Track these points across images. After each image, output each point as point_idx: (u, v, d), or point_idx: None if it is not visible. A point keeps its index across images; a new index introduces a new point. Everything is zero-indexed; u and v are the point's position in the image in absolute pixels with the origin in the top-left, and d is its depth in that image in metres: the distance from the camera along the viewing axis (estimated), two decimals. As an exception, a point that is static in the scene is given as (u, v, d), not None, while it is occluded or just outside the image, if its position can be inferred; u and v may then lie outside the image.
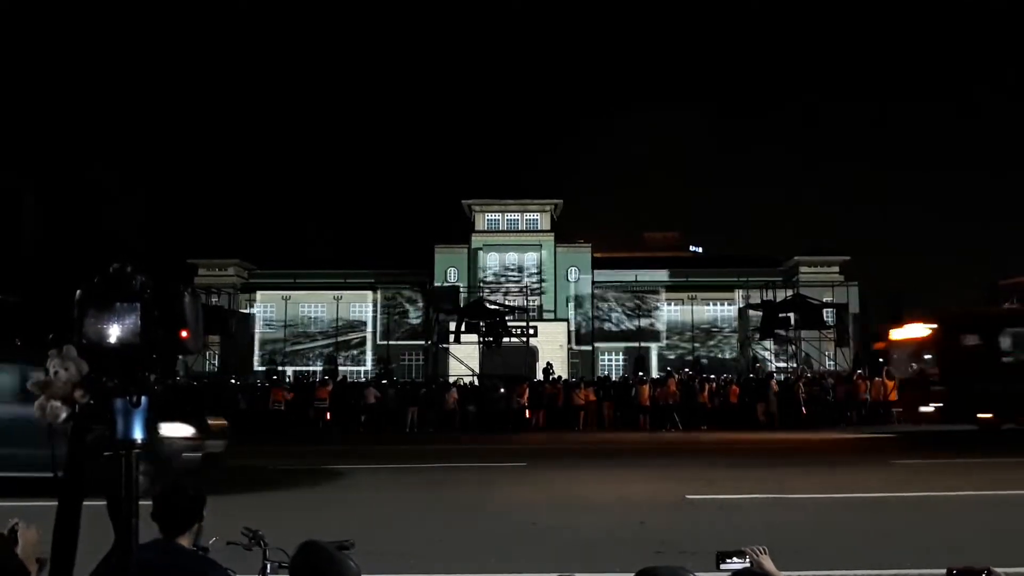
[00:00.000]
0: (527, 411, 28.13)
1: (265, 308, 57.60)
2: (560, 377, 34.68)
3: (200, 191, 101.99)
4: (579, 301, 55.18)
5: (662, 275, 57.91)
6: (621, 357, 55.51)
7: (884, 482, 12.99)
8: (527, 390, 28.72)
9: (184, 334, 2.03)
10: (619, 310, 55.61)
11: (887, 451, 18.67)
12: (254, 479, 14.60)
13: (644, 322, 55.98)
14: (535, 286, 55.05)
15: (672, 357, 54.32)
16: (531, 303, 51.91)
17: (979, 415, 21.82)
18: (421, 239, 59.78)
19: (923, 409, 23.18)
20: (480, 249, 57.11)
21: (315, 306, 57.73)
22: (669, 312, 57.24)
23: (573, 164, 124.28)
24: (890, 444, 21.09)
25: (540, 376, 34.35)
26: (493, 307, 40.21)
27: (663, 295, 56.50)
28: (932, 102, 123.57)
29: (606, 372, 50.90)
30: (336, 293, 55.27)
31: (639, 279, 57.45)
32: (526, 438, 23.69)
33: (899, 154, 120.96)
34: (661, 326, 56.79)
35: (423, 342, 54.24)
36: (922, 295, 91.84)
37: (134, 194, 66.41)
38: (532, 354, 41.19)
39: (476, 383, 33.93)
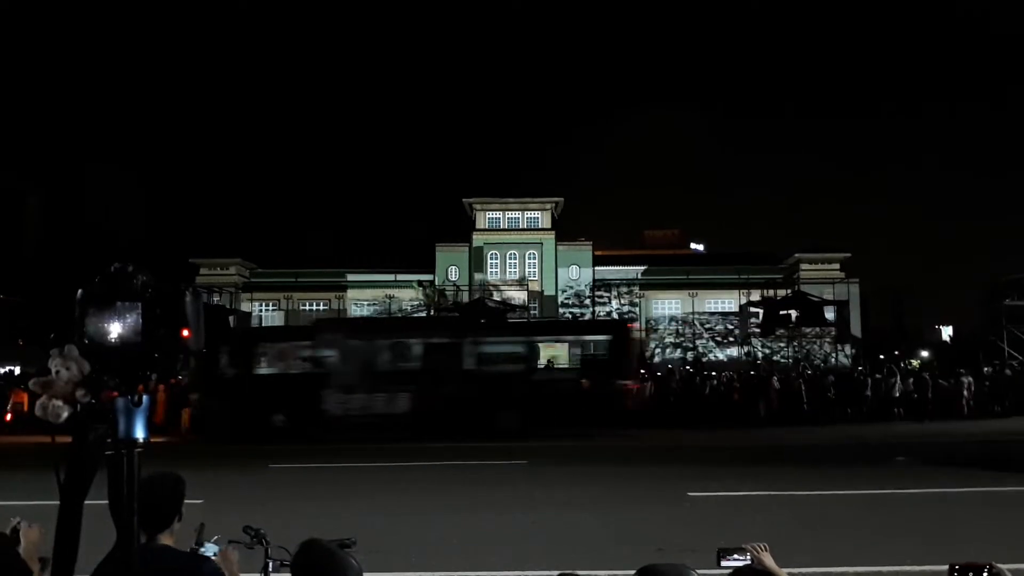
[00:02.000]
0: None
1: (358, 299, 58.13)
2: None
3: (201, 191, 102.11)
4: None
5: (662, 272, 57.86)
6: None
7: (885, 479, 12.99)
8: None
9: (186, 333, 2.03)
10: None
11: (889, 448, 18.65)
12: (255, 478, 14.61)
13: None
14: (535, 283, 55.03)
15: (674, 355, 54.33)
16: (531, 301, 51.92)
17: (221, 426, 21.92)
18: (423, 238, 59.82)
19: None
20: (481, 247, 57.08)
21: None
22: (670, 309, 57.24)
23: (574, 163, 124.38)
24: (893, 442, 21.07)
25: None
26: (494, 305, 40.18)
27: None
28: (932, 102, 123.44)
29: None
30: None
31: (640, 277, 57.43)
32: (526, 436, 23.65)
33: (899, 154, 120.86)
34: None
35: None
36: (924, 292, 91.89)
37: (136, 194, 66.52)
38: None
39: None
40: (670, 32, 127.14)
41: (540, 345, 25.44)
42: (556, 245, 57.07)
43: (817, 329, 41.61)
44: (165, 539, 3.07)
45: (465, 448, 19.55)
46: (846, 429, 24.76)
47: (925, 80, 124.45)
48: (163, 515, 3.07)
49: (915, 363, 49.08)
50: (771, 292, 44.71)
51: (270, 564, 3.55)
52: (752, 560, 3.07)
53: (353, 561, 2.71)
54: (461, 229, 58.87)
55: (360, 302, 57.78)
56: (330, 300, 57.85)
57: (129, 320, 1.94)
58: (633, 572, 2.68)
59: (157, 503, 3.02)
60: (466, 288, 52.08)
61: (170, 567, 2.96)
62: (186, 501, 3.22)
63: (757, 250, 59.67)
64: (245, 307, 52.41)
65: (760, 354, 46.33)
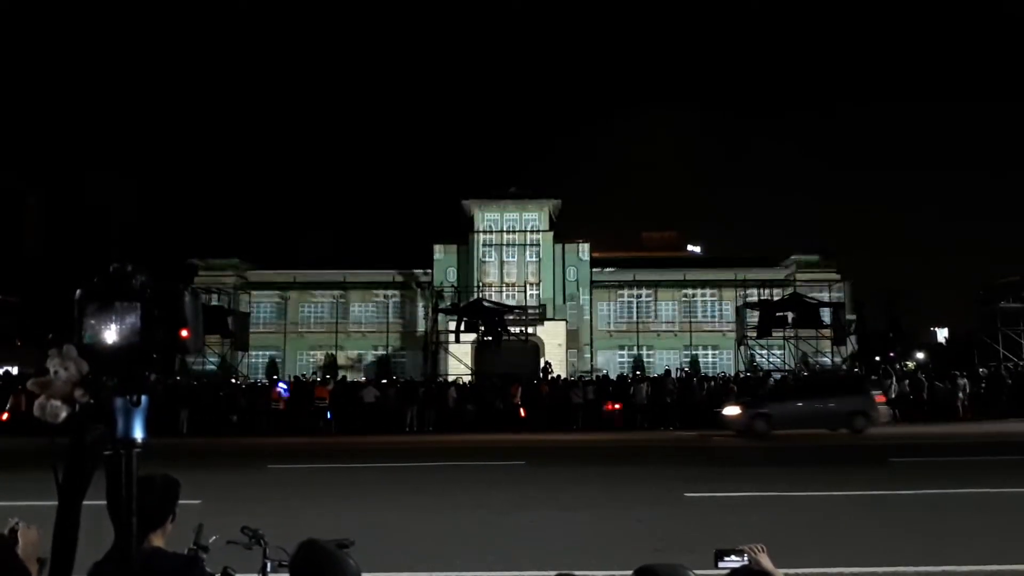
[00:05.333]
0: (521, 410, 28.07)
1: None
2: (559, 376, 34.68)
3: (200, 191, 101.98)
4: None
5: (660, 274, 57.88)
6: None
7: (881, 480, 13.01)
8: (519, 389, 28.68)
9: (184, 333, 2.03)
10: None
11: (884, 449, 18.69)
12: (253, 478, 14.61)
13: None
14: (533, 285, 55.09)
15: (670, 356, 54.36)
16: (529, 302, 51.94)
17: None
18: (421, 238, 59.74)
19: None
20: (479, 248, 57.05)
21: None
22: (667, 311, 57.23)
23: (572, 164, 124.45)
24: (888, 443, 21.11)
25: (541, 375, 34.34)
26: (491, 306, 40.20)
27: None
28: (930, 103, 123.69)
29: (604, 371, 50.88)
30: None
31: (637, 278, 57.43)
32: (524, 437, 23.72)
33: (897, 154, 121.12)
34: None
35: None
36: (920, 294, 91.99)
37: (134, 194, 66.42)
38: (530, 353, 41.18)
39: (475, 382, 33.91)
40: (670, 32, 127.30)
41: None
42: (554, 246, 57.06)
43: (813, 331, 41.65)
44: (156, 540, 3.07)
45: (463, 448, 19.57)
46: (841, 430, 24.80)
47: (923, 81, 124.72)
48: (153, 516, 3.07)
49: (911, 365, 49.18)
50: (768, 294, 44.75)
51: (268, 564, 3.55)
52: (749, 561, 3.07)
53: (351, 561, 2.71)
54: (459, 230, 58.88)
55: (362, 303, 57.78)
56: (323, 302, 57.78)
57: (128, 320, 1.94)
58: (630, 572, 2.68)
59: (148, 504, 2.97)
60: (464, 288, 52.06)
61: (160, 569, 2.94)
62: (184, 502, 3.22)
63: (754, 252, 59.71)
64: (244, 307, 52.36)
65: (757, 356, 46.38)
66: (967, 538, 8.31)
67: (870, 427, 22.92)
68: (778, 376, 32.94)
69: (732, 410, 23.98)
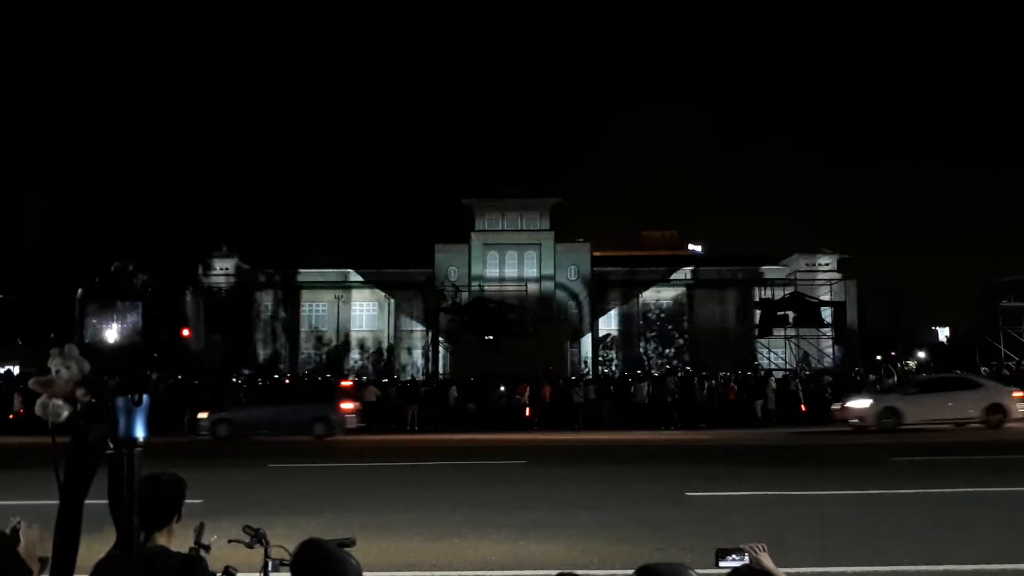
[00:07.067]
0: (527, 409, 28.10)
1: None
2: (559, 376, 34.68)
3: (201, 190, 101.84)
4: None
5: (660, 274, 57.86)
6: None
7: (882, 479, 13.00)
8: (527, 389, 28.70)
9: (186, 333, 2.03)
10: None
11: (884, 448, 18.68)
12: (254, 477, 14.61)
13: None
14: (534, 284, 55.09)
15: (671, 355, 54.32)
16: (530, 301, 51.94)
17: None
18: (422, 238, 59.70)
19: None
20: (480, 248, 57.05)
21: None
22: (667, 310, 57.18)
23: (573, 163, 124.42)
24: (888, 441, 21.08)
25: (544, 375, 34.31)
26: (493, 305, 40.22)
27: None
28: (931, 102, 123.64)
29: (604, 370, 50.87)
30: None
31: (637, 278, 57.41)
32: (526, 436, 23.71)
33: (898, 153, 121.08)
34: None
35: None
36: (921, 292, 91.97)
37: (136, 193, 66.30)
38: (531, 352, 41.16)
39: (476, 381, 33.89)
40: (670, 32, 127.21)
41: None
42: (555, 245, 57.05)
43: (815, 330, 41.66)
44: (162, 539, 3.07)
45: (465, 447, 19.55)
46: (843, 429, 24.76)
47: (924, 80, 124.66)
48: (160, 515, 3.07)
49: (912, 364, 49.17)
50: (768, 293, 44.74)
51: (270, 563, 3.55)
52: (750, 560, 3.07)
53: (352, 560, 2.71)
54: (461, 229, 58.85)
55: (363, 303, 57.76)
56: (324, 301, 57.75)
57: (129, 320, 1.94)
58: (632, 572, 2.68)
59: (154, 502, 3.01)
60: (465, 288, 52.04)
61: (163, 568, 2.94)
62: (186, 501, 3.22)
63: (755, 251, 59.65)
64: (245, 306, 52.35)
65: (758, 355, 46.36)
66: (967, 537, 8.31)
67: (332, 434, 22.81)
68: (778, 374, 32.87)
69: (202, 415, 24.23)
